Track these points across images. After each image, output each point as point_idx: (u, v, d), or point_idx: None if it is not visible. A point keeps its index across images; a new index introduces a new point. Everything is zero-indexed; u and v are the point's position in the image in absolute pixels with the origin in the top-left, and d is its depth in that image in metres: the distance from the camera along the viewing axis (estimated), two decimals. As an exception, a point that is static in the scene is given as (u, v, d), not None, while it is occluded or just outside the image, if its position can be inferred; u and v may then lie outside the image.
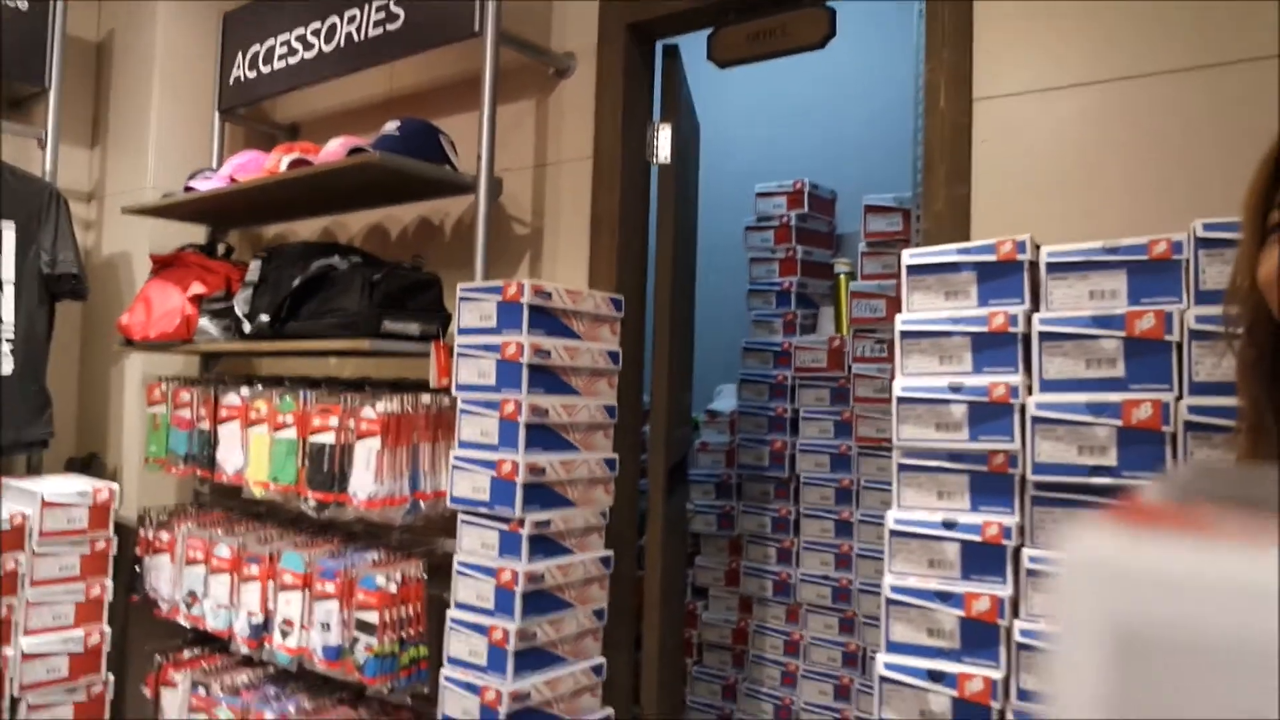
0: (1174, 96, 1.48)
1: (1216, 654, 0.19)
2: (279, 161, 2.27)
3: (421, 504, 2.01)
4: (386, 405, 1.97)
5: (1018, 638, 1.25)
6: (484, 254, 2.03)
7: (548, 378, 1.81)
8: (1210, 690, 0.19)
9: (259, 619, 2.16)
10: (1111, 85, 1.54)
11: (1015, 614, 1.27)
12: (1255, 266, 0.78)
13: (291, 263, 2.20)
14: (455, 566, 1.83)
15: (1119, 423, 1.22)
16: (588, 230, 2.21)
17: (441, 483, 2.01)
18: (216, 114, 2.82)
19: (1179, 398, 1.20)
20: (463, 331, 1.85)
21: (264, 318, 2.17)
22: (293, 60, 2.57)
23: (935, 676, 1.29)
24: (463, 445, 1.83)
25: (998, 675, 1.26)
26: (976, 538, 1.30)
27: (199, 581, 2.32)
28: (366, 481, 1.96)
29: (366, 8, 2.36)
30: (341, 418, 2.04)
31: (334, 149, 2.16)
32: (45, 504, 2.34)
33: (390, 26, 2.29)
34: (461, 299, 1.86)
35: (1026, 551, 1.27)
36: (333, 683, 2.21)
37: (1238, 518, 0.21)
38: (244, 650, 2.23)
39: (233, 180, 2.35)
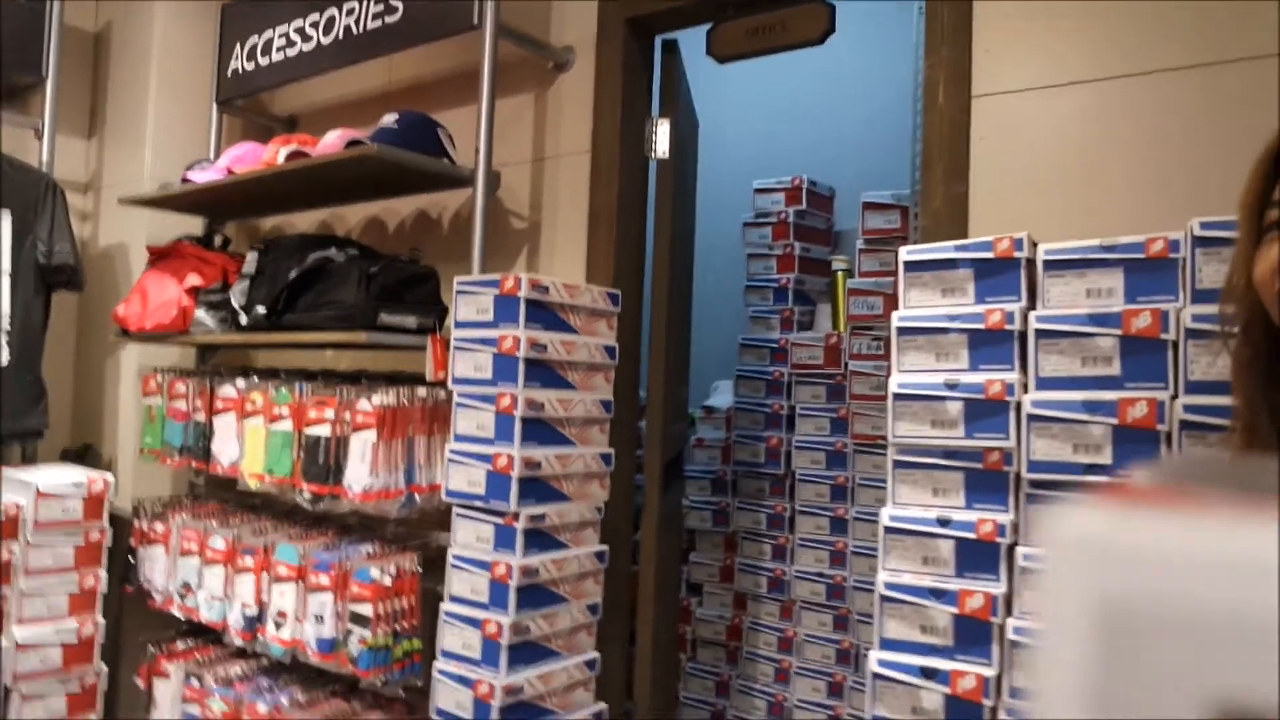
0: (1173, 95, 1.48)
1: (1203, 628, 0.19)
2: (276, 153, 2.27)
3: (417, 497, 2.01)
4: (382, 398, 1.97)
5: (1011, 635, 1.25)
6: (481, 248, 2.02)
7: (544, 372, 1.80)
8: (1197, 664, 0.19)
9: (253, 611, 2.16)
10: (1110, 83, 1.54)
11: (1009, 612, 1.27)
12: (1252, 265, 0.78)
13: (288, 255, 2.20)
14: (450, 560, 1.83)
15: (1114, 421, 1.22)
16: (585, 225, 2.21)
17: (437, 476, 2.01)
18: (214, 106, 2.81)
19: (1174, 396, 1.20)
20: (459, 325, 1.85)
21: (260, 309, 2.16)
22: (291, 52, 2.56)
23: (928, 673, 1.29)
24: (458, 439, 1.83)
25: (990, 673, 1.26)
26: (971, 535, 1.30)
27: (193, 573, 2.32)
28: (362, 474, 1.96)
29: (365, 0, 2.35)
30: (337, 410, 2.03)
31: (332, 141, 2.15)
32: (40, 494, 2.34)
33: (389, 19, 2.29)
34: (458, 292, 1.86)
35: (1021, 549, 1.28)
36: (326, 675, 2.21)
37: (1225, 497, 0.20)
38: (238, 642, 2.23)
39: (230, 172, 2.35)
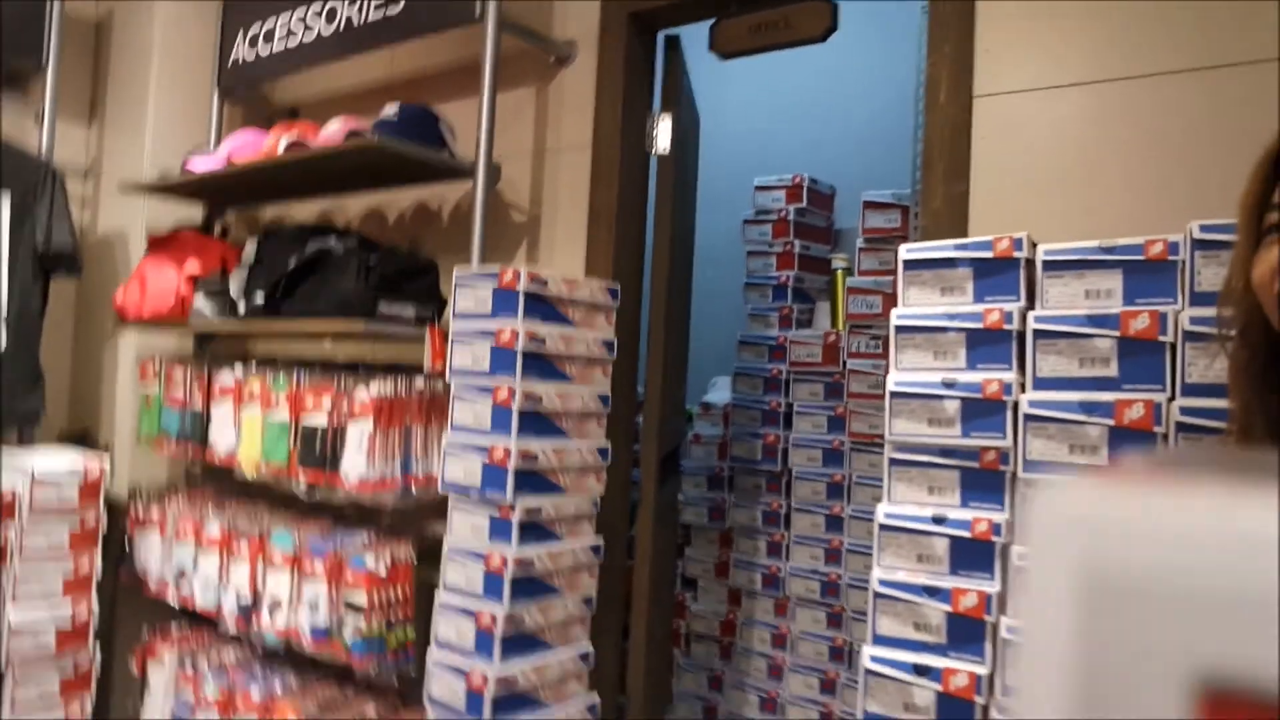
0: (1174, 97, 1.48)
1: (1190, 599, 0.19)
2: (277, 141, 2.27)
3: (413, 488, 2.01)
4: (380, 388, 1.97)
5: (1004, 634, 1.26)
6: (481, 240, 2.02)
7: (542, 365, 1.80)
8: (1185, 634, 0.19)
9: (248, 599, 2.16)
10: (1111, 85, 1.54)
11: (1003, 610, 1.28)
12: (1251, 268, 0.78)
13: (288, 244, 2.20)
14: (445, 550, 1.83)
15: (1111, 422, 1.22)
16: (585, 219, 2.20)
17: (433, 467, 2.01)
18: (215, 93, 2.81)
19: (1171, 398, 1.20)
20: (458, 317, 1.85)
21: (259, 298, 2.16)
22: (292, 42, 2.56)
23: (920, 670, 1.29)
24: (455, 430, 1.83)
25: (983, 671, 1.26)
26: (966, 534, 1.30)
27: (188, 559, 2.32)
28: (358, 464, 1.96)
29: (368, -10, 2.35)
30: (334, 399, 2.04)
31: (333, 131, 2.15)
32: (36, 479, 2.34)
33: (391, 10, 2.28)
34: (457, 284, 1.86)
35: (1016, 548, 1.28)
36: (320, 663, 2.21)
37: (1214, 476, 0.21)
38: (232, 630, 2.23)
39: (230, 161, 2.34)
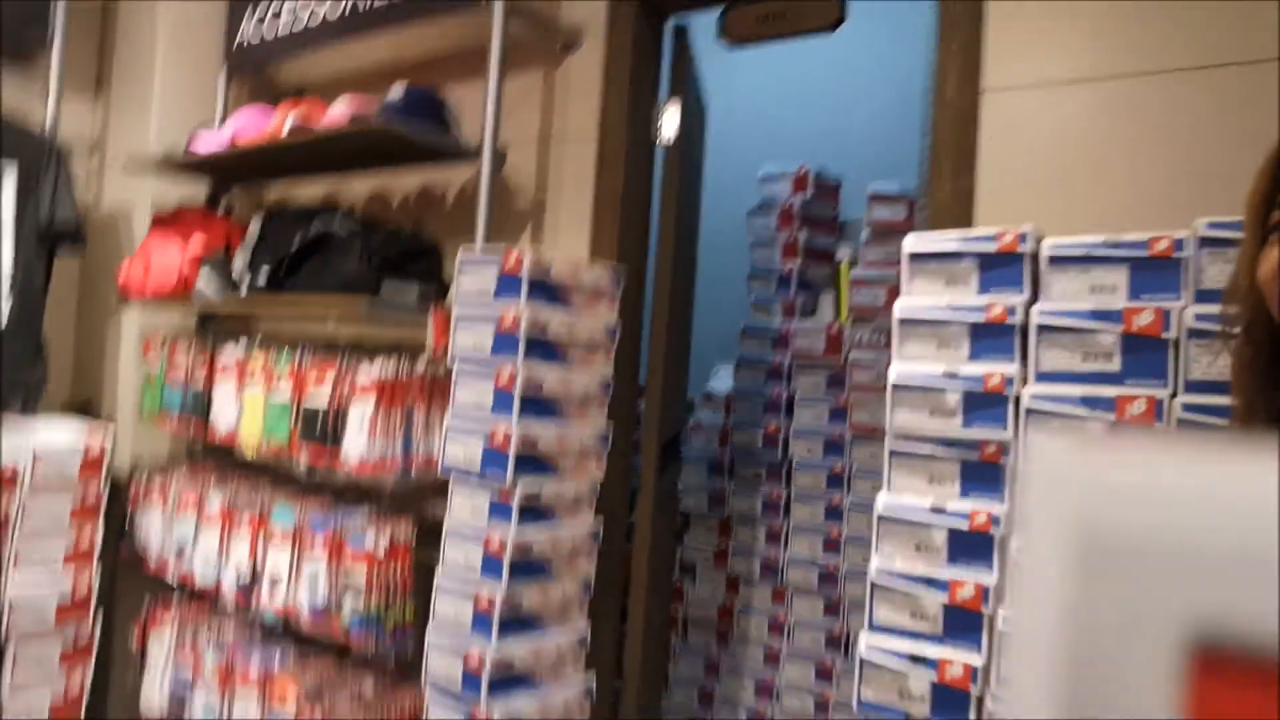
0: (1182, 95, 1.48)
1: (1186, 555, 0.20)
2: (282, 121, 2.26)
3: (413, 469, 2.02)
4: (382, 369, 1.97)
5: (1000, 626, 1.26)
6: (485, 224, 2.02)
7: (544, 348, 1.81)
8: (1181, 590, 0.20)
9: (247, 575, 2.17)
10: (1119, 82, 1.54)
11: (1000, 602, 1.28)
12: (1256, 265, 0.79)
13: (292, 223, 2.20)
14: (444, 531, 1.84)
15: (1112, 417, 1.22)
16: (590, 205, 2.20)
17: (434, 448, 2.01)
18: (222, 71, 2.80)
19: (1174, 395, 1.20)
20: (461, 299, 1.85)
21: (263, 277, 2.16)
22: (298, 24, 2.55)
23: (916, 659, 1.30)
24: (457, 412, 1.83)
25: (978, 662, 1.27)
26: (964, 525, 1.31)
27: (189, 534, 2.33)
28: (359, 444, 1.97)
29: (377, -30, 2.34)
30: (336, 379, 2.04)
31: (339, 111, 2.15)
32: (37, 453, 2.34)
33: (399, -9, 2.28)
34: (461, 267, 1.86)
35: (1014, 541, 1.28)
36: (318, 640, 2.22)
37: (1211, 441, 0.21)
38: (232, 605, 2.24)
39: (234, 142, 2.34)
